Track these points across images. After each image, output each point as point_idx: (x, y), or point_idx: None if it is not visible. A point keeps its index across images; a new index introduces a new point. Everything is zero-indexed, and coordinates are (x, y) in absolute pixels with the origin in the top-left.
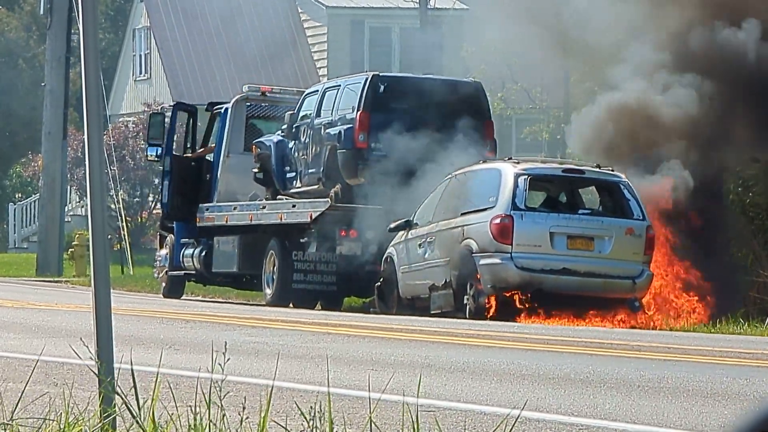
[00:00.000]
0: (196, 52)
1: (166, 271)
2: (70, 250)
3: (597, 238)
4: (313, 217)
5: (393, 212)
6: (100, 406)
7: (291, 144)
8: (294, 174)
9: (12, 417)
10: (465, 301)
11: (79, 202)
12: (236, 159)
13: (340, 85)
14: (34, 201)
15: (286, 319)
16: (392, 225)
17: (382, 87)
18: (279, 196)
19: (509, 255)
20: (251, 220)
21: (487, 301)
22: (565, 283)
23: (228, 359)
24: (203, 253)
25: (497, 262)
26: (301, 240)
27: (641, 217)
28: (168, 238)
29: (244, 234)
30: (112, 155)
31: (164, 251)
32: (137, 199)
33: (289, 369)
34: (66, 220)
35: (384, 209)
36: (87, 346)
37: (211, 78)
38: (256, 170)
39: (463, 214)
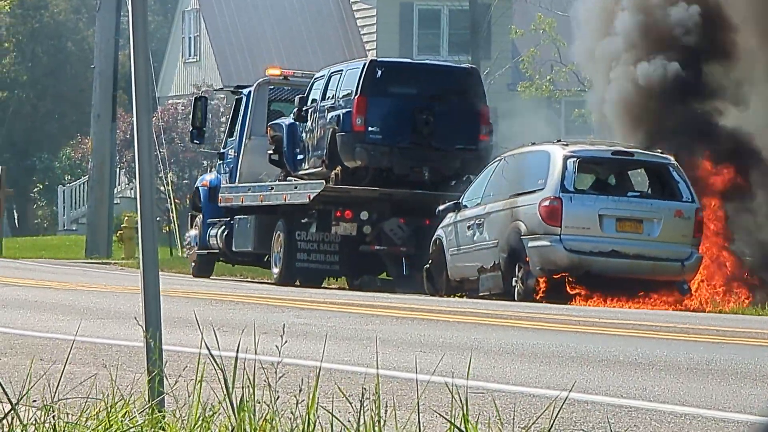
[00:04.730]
0: (245, 34)
1: (196, 251)
2: (119, 232)
3: (646, 221)
4: (311, 198)
5: (388, 194)
6: (147, 387)
7: (300, 127)
8: (302, 156)
9: (53, 399)
10: (514, 284)
11: (128, 184)
12: (258, 141)
13: (342, 70)
14: (83, 183)
15: (336, 300)
16: (441, 207)
17: (379, 72)
18: (289, 178)
19: (558, 237)
20: (261, 201)
21: (535, 283)
22: (614, 266)
23: (285, 342)
24: (225, 233)
25: (546, 245)
26: (302, 221)
27: (690, 200)
28: (198, 218)
29: (258, 214)
30: (161, 137)
31: (194, 231)
32: (186, 181)
33: (337, 351)
34: (115, 202)
35: (378, 191)
36: (141, 325)
37: (260, 60)
38: (271, 152)
39: (512, 196)
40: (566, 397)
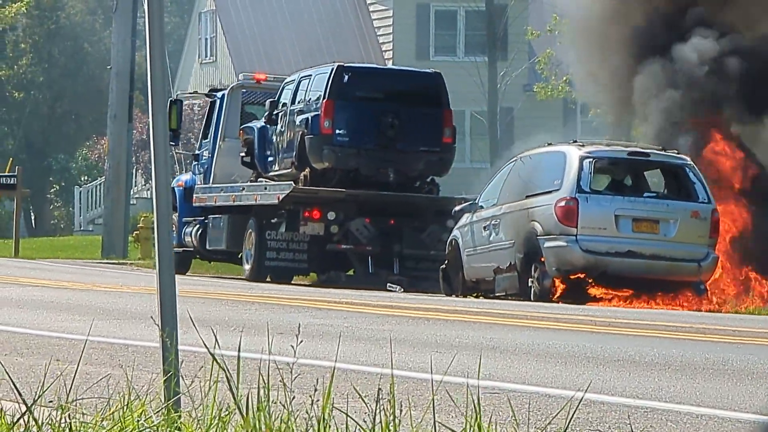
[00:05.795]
0: (261, 36)
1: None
2: (135, 232)
3: (662, 221)
4: (280, 198)
5: (354, 195)
6: (163, 387)
7: (271, 130)
8: (273, 158)
9: (69, 399)
10: (530, 284)
11: (145, 184)
12: (231, 143)
13: (311, 75)
14: (100, 184)
15: (352, 301)
16: (457, 207)
17: (346, 77)
18: (260, 179)
19: (574, 238)
20: (234, 201)
21: (551, 283)
22: (630, 266)
23: (301, 341)
24: (200, 232)
25: (562, 245)
26: (273, 220)
27: (707, 200)
28: (174, 216)
29: (231, 214)
30: (177, 138)
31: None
32: None
33: (353, 351)
34: (131, 202)
35: (344, 192)
36: (157, 325)
37: (276, 61)
38: (243, 154)
39: (528, 196)
40: (582, 398)
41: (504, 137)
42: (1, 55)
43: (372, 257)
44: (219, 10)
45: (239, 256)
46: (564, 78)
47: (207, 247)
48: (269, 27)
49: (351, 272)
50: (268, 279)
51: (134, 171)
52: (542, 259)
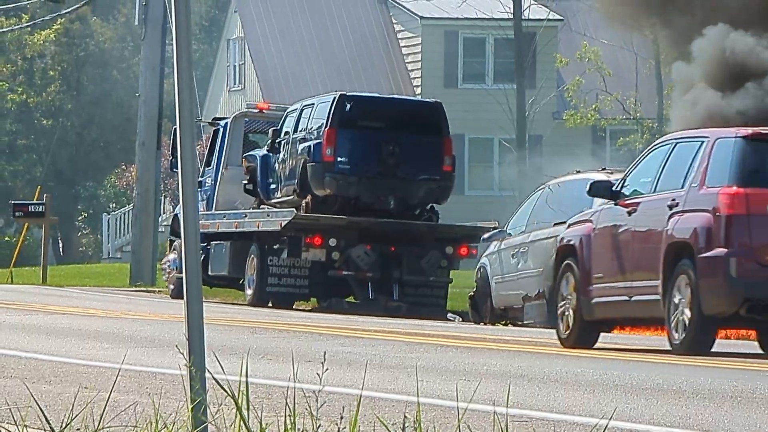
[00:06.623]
0: (290, 63)
1: (175, 274)
2: (164, 260)
3: None
4: (282, 225)
5: (355, 222)
6: (190, 415)
7: (273, 158)
8: (275, 185)
9: (97, 427)
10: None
11: (173, 212)
12: (233, 171)
13: (314, 104)
14: (128, 211)
15: (380, 328)
16: (485, 235)
17: (348, 105)
18: (262, 206)
19: None
20: (236, 228)
21: None
22: None
23: (326, 369)
24: (202, 257)
25: None
26: (275, 246)
27: None
28: (176, 242)
29: (233, 240)
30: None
31: (173, 255)
32: None
33: (381, 379)
34: (159, 230)
35: (346, 219)
36: (182, 353)
37: (304, 89)
38: (245, 182)
39: (556, 224)
40: (606, 425)
41: (532, 165)
42: (29, 82)
43: (372, 283)
44: (248, 38)
45: (240, 282)
46: (593, 106)
47: (209, 272)
48: (297, 55)
49: (351, 298)
50: (269, 305)
51: (162, 198)
52: None
